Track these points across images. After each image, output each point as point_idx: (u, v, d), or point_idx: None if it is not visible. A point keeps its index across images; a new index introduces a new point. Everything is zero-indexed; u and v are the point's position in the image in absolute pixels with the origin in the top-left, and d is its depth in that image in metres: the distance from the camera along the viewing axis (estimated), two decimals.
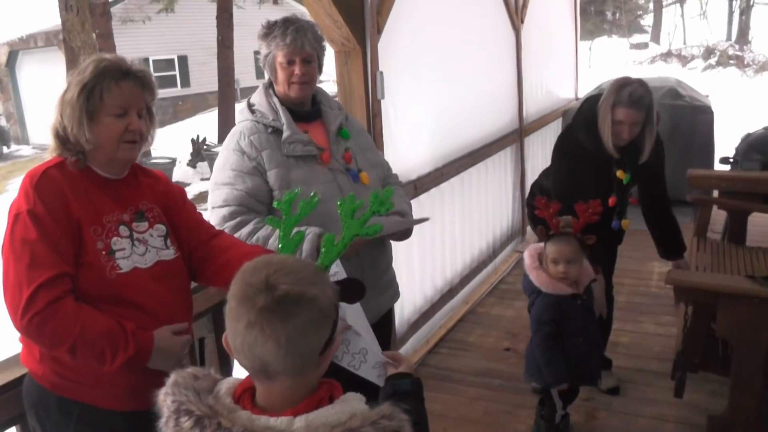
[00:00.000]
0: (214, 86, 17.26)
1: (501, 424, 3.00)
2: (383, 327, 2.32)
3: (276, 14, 2.40)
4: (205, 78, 21.36)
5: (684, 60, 22.77)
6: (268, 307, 1.00)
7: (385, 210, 1.50)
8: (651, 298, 4.26)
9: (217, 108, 16.48)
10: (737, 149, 5.32)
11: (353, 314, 1.49)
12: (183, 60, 22.08)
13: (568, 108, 6.61)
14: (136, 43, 18.69)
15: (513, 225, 5.33)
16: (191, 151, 13.76)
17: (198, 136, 13.91)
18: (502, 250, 5.08)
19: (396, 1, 3.19)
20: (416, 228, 2.42)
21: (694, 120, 5.97)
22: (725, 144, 5.98)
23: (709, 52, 22.38)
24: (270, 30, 2.11)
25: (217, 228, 1.93)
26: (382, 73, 3.05)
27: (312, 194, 1.45)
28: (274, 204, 1.50)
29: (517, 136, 5.26)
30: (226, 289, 1.07)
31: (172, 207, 1.75)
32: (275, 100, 2.16)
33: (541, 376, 2.56)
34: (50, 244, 1.46)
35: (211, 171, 2.28)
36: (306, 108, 2.20)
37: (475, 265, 4.55)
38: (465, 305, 4.29)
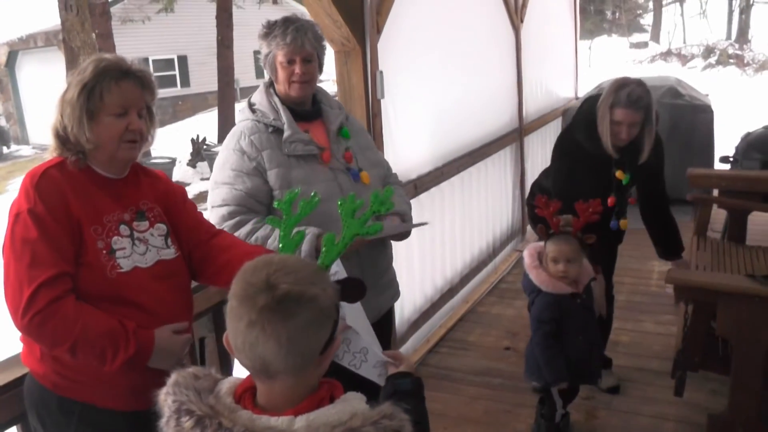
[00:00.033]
0: (213, 86, 17.26)
1: (501, 423, 3.00)
2: (383, 326, 2.32)
3: (275, 14, 2.40)
4: (204, 78, 21.36)
5: (684, 59, 22.77)
6: (269, 307, 1.00)
7: (386, 210, 1.50)
8: (651, 297, 4.26)
9: (216, 108, 16.49)
10: (737, 148, 5.32)
11: (354, 314, 1.49)
12: (183, 60, 22.08)
13: (568, 107, 6.61)
14: (135, 43, 18.69)
15: (513, 224, 5.33)
16: (191, 150, 13.76)
17: (198, 136, 13.91)
18: (502, 250, 5.08)
19: (396, 1, 3.19)
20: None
21: (694, 119, 5.97)
22: (725, 143, 5.98)
23: (708, 51, 22.38)
24: (270, 29, 2.11)
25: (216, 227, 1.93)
26: (381, 72, 3.05)
27: (312, 194, 1.45)
28: (275, 204, 1.50)
29: (516, 135, 5.26)
30: (227, 289, 1.07)
31: (173, 206, 1.75)
32: (276, 99, 2.16)
33: (541, 375, 2.56)
34: (51, 244, 1.46)
35: (211, 171, 2.29)
36: (306, 107, 2.21)
37: (475, 265, 4.55)
38: (465, 304, 4.29)
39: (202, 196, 10.27)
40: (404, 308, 3.53)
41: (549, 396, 2.68)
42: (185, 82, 22.26)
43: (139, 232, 1.62)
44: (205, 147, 13.66)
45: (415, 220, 2.36)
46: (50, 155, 1.58)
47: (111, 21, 12.77)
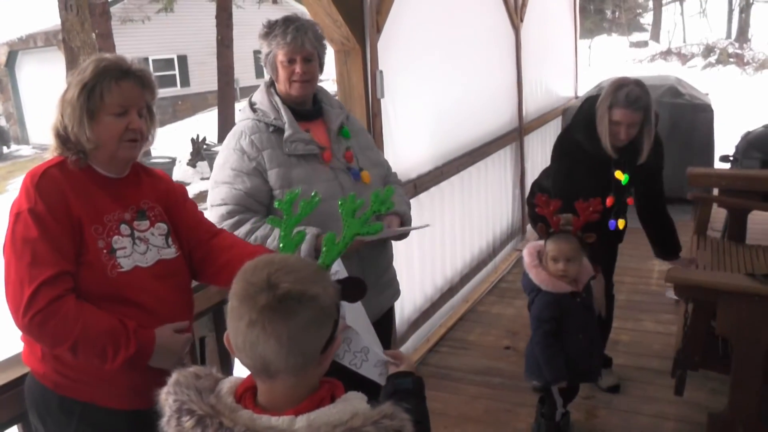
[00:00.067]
0: (213, 86, 17.26)
1: (501, 423, 3.00)
2: (384, 325, 2.32)
3: (275, 14, 2.40)
4: (204, 77, 21.36)
5: (684, 58, 22.77)
6: (270, 306, 1.00)
7: (386, 209, 1.50)
8: (651, 296, 4.26)
9: (216, 107, 16.49)
10: (737, 147, 5.31)
11: (354, 313, 1.49)
12: (182, 59, 22.08)
13: (568, 106, 6.61)
14: (135, 42, 18.67)
15: (513, 223, 5.33)
16: (191, 150, 13.76)
17: (198, 136, 13.92)
18: (502, 249, 5.08)
19: (395, 1, 3.19)
20: None
21: (693, 118, 5.97)
22: (725, 142, 5.98)
23: (708, 51, 22.38)
24: (271, 29, 2.11)
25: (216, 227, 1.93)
26: (381, 72, 3.05)
27: (313, 194, 1.45)
28: (276, 204, 1.50)
29: (516, 134, 5.26)
30: (227, 288, 1.07)
31: (173, 206, 1.75)
32: (277, 99, 2.17)
33: (541, 374, 2.56)
34: (51, 243, 1.46)
35: (211, 170, 2.29)
36: (307, 107, 2.21)
37: (475, 264, 4.55)
38: (465, 304, 4.29)
39: (202, 196, 10.25)
40: (404, 307, 3.53)
41: (549, 395, 2.68)
42: (185, 82, 22.25)
43: (140, 231, 1.62)
44: (205, 147, 13.66)
45: (414, 220, 2.36)
46: (51, 155, 1.59)
47: (111, 21, 12.77)
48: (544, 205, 2.47)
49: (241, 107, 2.27)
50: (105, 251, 1.54)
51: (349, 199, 1.46)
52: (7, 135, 20.81)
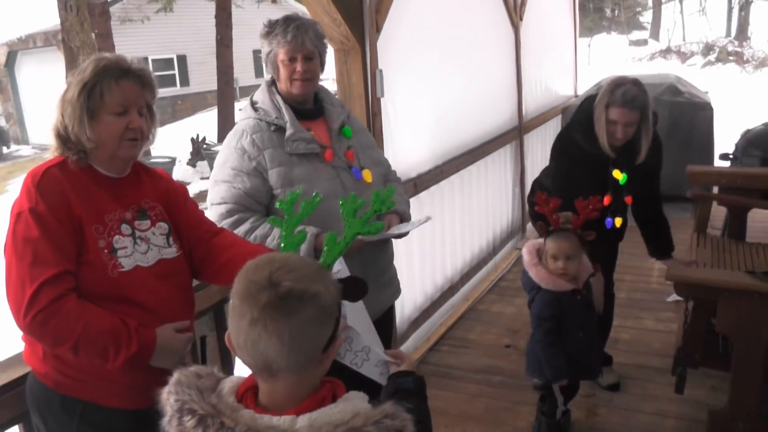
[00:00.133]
0: (213, 85, 17.26)
1: (502, 421, 3.01)
2: (384, 324, 2.32)
3: (275, 13, 2.40)
4: (204, 77, 21.35)
5: (683, 56, 22.77)
6: (272, 304, 1.00)
7: (387, 208, 1.50)
8: (651, 295, 4.27)
9: (216, 107, 16.49)
10: (737, 145, 5.31)
11: (355, 312, 1.50)
12: (182, 59, 22.07)
13: (568, 105, 6.61)
14: (135, 42, 18.68)
15: (513, 222, 5.34)
16: (191, 150, 13.76)
17: (197, 135, 13.92)
18: (502, 248, 5.09)
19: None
20: None
21: (693, 116, 5.97)
22: (725, 140, 5.99)
23: (708, 49, 22.37)
24: (271, 28, 2.11)
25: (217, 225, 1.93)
26: (381, 71, 3.05)
27: (314, 194, 1.46)
28: (277, 205, 1.51)
29: (516, 133, 5.26)
30: (228, 288, 1.07)
31: (174, 205, 1.75)
32: (278, 98, 2.17)
33: (542, 372, 2.56)
34: (52, 243, 1.46)
35: (211, 170, 2.29)
36: (308, 106, 2.21)
37: (476, 263, 4.56)
38: (465, 302, 4.30)
39: (202, 196, 10.24)
40: (405, 306, 3.54)
41: (550, 393, 2.68)
42: (185, 82, 22.25)
43: (141, 230, 1.62)
44: (204, 146, 13.66)
45: (414, 219, 2.36)
46: (51, 155, 1.59)
47: (110, 21, 12.77)
48: (543, 203, 2.47)
49: (240, 107, 2.27)
50: (106, 251, 1.54)
51: (350, 199, 1.47)
52: (6, 135, 20.81)
